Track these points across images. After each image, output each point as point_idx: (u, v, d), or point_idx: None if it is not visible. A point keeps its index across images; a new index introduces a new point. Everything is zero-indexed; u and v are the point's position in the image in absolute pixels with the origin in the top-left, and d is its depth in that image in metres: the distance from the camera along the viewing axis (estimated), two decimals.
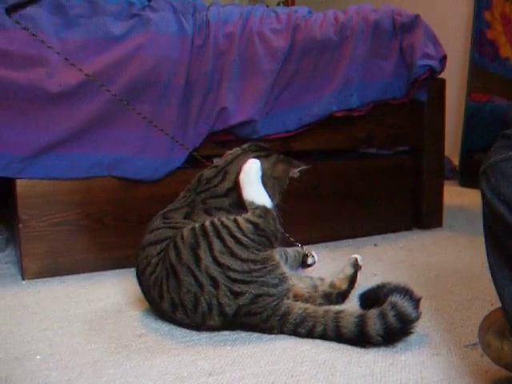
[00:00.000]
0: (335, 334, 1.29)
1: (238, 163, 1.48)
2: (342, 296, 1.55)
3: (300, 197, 2.17)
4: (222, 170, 1.51)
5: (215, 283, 1.29)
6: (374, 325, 1.24)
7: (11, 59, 1.71)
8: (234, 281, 1.30)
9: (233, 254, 1.31)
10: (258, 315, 1.32)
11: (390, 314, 1.24)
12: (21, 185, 1.77)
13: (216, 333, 1.36)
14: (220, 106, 1.92)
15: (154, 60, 1.83)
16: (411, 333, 1.26)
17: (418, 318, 1.25)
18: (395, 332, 1.25)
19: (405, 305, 1.25)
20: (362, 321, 1.26)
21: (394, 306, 1.25)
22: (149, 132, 1.85)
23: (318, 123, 2.10)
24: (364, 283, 1.71)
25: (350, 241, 2.25)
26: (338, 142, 2.23)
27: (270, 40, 2.01)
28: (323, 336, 1.31)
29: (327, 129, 2.16)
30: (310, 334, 1.32)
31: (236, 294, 1.30)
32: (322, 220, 2.23)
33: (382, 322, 1.24)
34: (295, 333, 1.33)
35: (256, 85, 1.97)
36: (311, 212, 2.20)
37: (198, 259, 1.30)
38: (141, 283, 1.43)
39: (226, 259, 1.30)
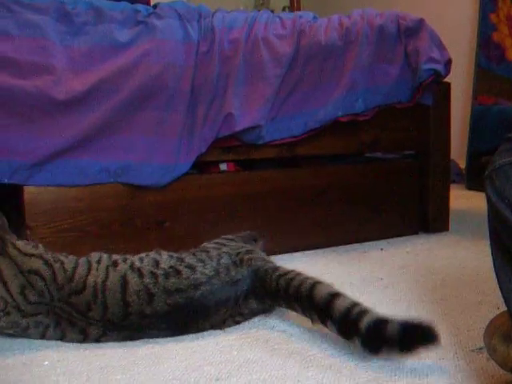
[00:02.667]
0: (308, 293, 1.31)
1: None
2: None
3: (306, 202, 2.18)
4: None
5: None
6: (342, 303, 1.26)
7: (18, 67, 1.72)
8: None
9: None
10: None
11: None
12: (28, 192, 1.77)
13: (222, 338, 1.37)
14: (225, 112, 1.92)
15: (160, 67, 1.84)
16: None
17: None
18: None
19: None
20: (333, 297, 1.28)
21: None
22: (155, 138, 1.87)
23: (323, 128, 2.10)
24: (370, 288, 1.72)
25: (357, 245, 2.25)
26: (344, 146, 2.24)
27: (275, 45, 2.02)
28: (296, 292, 1.34)
29: (333, 134, 2.17)
30: (286, 288, 1.36)
31: None
32: (329, 225, 2.23)
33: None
34: (277, 285, 1.38)
35: (261, 90, 1.98)
36: (318, 217, 2.20)
37: None
38: None
39: None
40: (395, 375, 1.15)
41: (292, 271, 1.42)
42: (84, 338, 1.35)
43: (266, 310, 1.50)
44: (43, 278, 1.36)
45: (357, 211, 2.29)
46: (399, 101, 2.22)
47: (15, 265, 1.36)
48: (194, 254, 1.49)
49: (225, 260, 1.46)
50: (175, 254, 1.49)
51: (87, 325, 1.34)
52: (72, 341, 1.36)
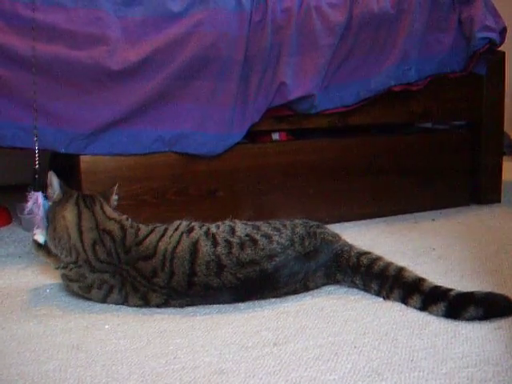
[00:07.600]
0: (396, 273, 1.37)
1: None
2: None
3: (358, 172, 2.17)
4: None
5: None
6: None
7: (74, 38, 1.74)
8: None
9: None
10: None
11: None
12: (84, 161, 1.81)
13: (278, 305, 1.39)
14: (279, 81, 1.93)
15: (213, 36, 1.85)
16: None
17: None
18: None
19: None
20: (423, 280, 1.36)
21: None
22: (209, 107, 1.88)
23: (375, 98, 2.09)
24: (422, 258, 1.72)
25: (408, 216, 2.25)
26: (396, 116, 2.23)
27: (328, 14, 2.00)
28: (382, 271, 1.39)
29: (385, 103, 2.16)
30: (370, 266, 1.41)
31: None
32: (380, 195, 2.23)
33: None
34: (358, 261, 1.42)
35: (314, 59, 1.97)
36: (369, 187, 2.20)
37: None
38: None
39: None
40: (451, 343, 1.16)
41: (370, 252, 1.46)
42: (144, 303, 1.39)
43: (329, 284, 1.50)
44: (113, 240, 1.40)
45: (408, 182, 2.28)
46: (452, 70, 2.19)
47: (95, 220, 1.43)
48: (268, 223, 1.48)
49: (300, 230, 1.46)
50: (250, 222, 1.48)
51: (150, 291, 1.37)
52: (133, 305, 1.40)
